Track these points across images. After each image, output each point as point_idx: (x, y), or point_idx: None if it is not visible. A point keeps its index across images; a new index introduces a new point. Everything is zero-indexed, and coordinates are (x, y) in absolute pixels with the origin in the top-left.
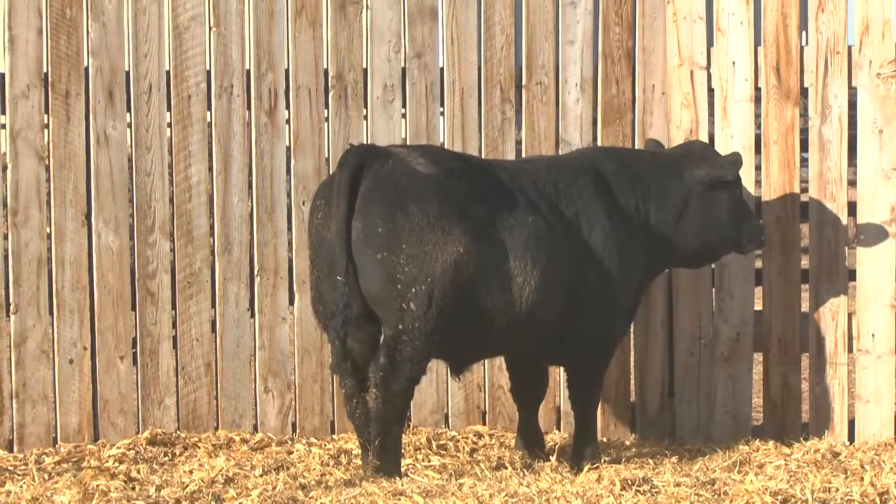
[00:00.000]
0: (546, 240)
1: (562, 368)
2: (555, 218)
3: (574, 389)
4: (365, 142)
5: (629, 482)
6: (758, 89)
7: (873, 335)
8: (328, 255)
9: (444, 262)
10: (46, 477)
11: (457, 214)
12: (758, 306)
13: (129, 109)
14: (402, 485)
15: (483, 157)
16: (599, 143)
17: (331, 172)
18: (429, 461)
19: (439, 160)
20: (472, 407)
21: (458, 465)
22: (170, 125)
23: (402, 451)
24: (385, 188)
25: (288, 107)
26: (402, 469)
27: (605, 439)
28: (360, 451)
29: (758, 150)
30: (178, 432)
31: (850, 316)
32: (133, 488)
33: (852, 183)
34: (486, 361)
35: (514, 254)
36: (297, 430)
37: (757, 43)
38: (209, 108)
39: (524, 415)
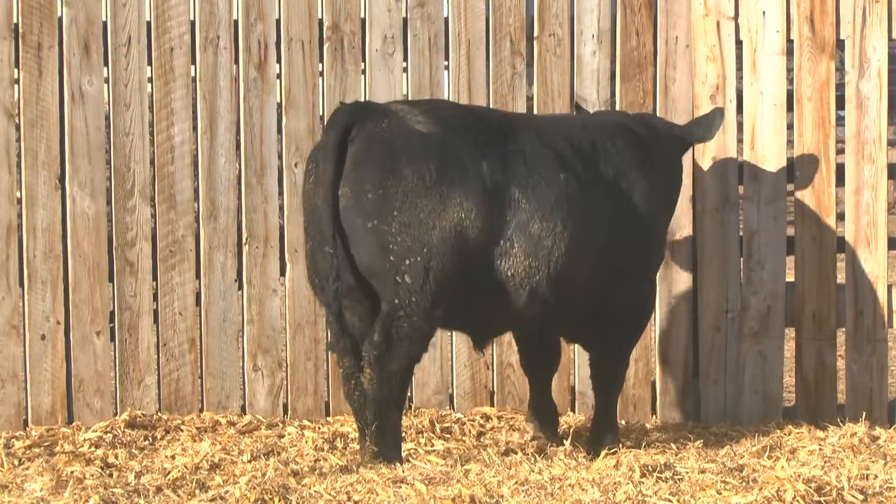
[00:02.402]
0: (579, 200)
1: (580, 346)
2: (591, 177)
3: (599, 367)
4: (362, 98)
5: (650, 468)
6: (790, 41)
7: None
8: (318, 223)
9: (442, 231)
10: (16, 462)
11: (459, 177)
12: (790, 277)
13: (106, 63)
14: (403, 471)
15: None
16: (618, 100)
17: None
18: (432, 446)
19: (444, 117)
20: (480, 387)
21: (463, 450)
22: (150, 80)
23: (403, 434)
24: (376, 149)
25: (279, 60)
26: (403, 454)
27: (623, 422)
28: (357, 436)
29: (790, 108)
30: (160, 414)
31: (889, 288)
32: (110, 475)
33: (892, 143)
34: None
35: (541, 215)
36: (289, 412)
37: None
38: (193, 62)
39: (536, 390)
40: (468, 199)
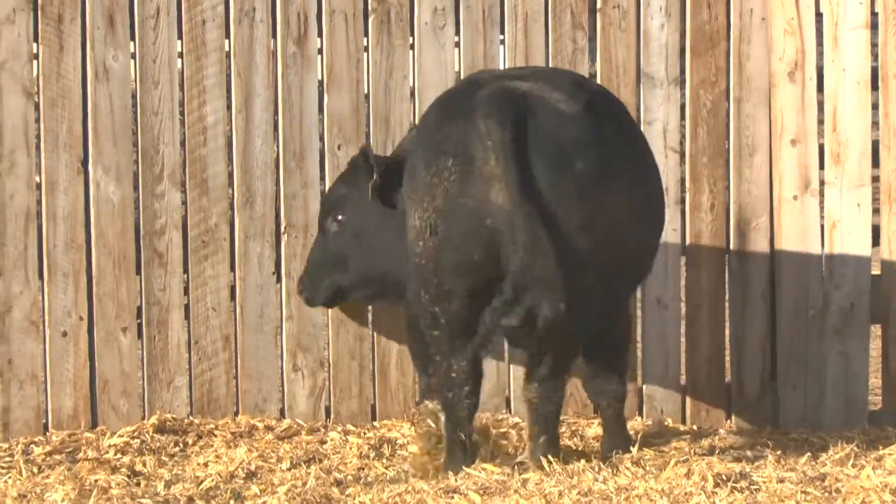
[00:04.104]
0: None
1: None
2: None
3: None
4: (411, 76)
5: (724, 478)
6: (874, 14)
7: None
8: (467, 228)
9: (608, 226)
10: (36, 470)
11: (616, 166)
12: (875, 270)
13: (132, 37)
14: (456, 480)
15: None
16: (688, 77)
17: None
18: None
19: (578, 93)
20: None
21: (521, 458)
22: (181, 55)
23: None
24: (545, 142)
25: (320, 34)
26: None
27: (695, 427)
28: (407, 441)
29: (874, 86)
30: (191, 418)
31: None
32: (138, 484)
33: None
34: None
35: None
36: (332, 416)
37: None
38: (227, 36)
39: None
40: (626, 187)
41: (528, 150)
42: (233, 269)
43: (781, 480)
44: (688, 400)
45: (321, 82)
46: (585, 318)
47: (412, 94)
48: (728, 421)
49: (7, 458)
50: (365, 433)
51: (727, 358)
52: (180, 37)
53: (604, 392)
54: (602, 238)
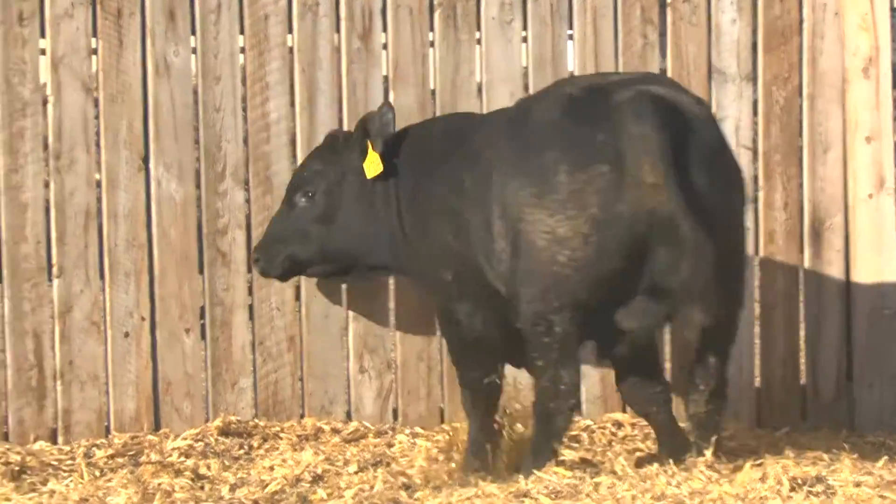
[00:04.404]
0: None
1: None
2: None
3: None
4: (478, 71)
5: (799, 482)
6: None
7: None
8: (621, 237)
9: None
10: (98, 473)
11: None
12: None
13: (193, 31)
14: (527, 484)
15: None
16: (759, 73)
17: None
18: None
19: (696, 97)
20: (611, 391)
21: (592, 461)
22: (243, 50)
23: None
24: (692, 146)
25: (385, 29)
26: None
27: (770, 429)
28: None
29: None
30: (256, 420)
31: None
32: (202, 487)
33: None
34: None
35: None
36: (399, 418)
37: None
38: (290, 31)
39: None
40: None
41: (680, 155)
42: None
43: (858, 484)
44: (762, 402)
45: (386, 78)
46: (736, 324)
47: (479, 90)
48: (803, 423)
49: (68, 461)
50: (433, 436)
51: (802, 359)
52: (242, 31)
53: (652, 398)
54: (735, 241)
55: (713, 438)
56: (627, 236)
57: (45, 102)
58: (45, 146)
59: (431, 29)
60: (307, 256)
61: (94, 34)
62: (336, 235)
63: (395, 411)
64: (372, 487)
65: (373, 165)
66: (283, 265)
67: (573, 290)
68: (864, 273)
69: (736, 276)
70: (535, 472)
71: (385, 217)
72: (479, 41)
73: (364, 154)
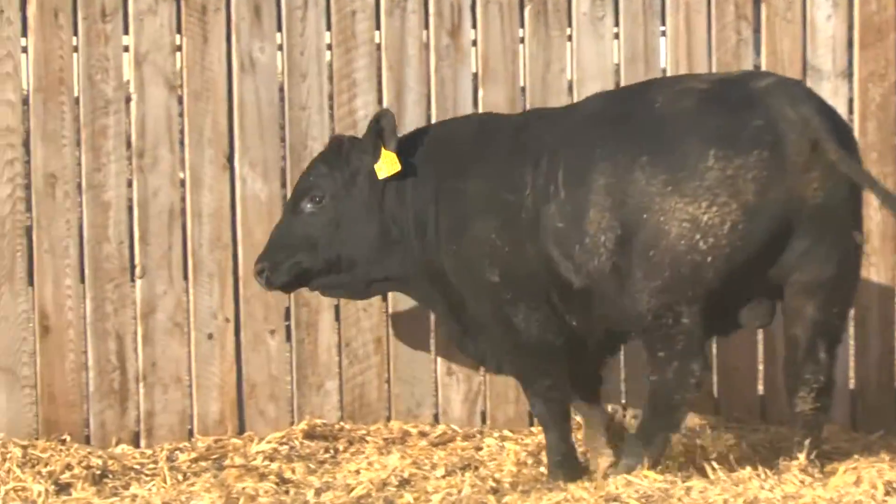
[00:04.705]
0: None
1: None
2: None
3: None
4: (569, 68)
5: (894, 486)
6: None
7: None
8: (771, 225)
9: None
10: (181, 478)
11: None
12: None
13: (279, 28)
14: (617, 488)
15: None
16: (855, 69)
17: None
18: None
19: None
20: (701, 392)
21: (683, 464)
22: (330, 47)
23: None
24: (840, 130)
25: (474, 25)
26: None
27: (864, 433)
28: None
29: None
30: (342, 423)
31: None
32: (286, 492)
33: None
34: (716, 338)
35: None
36: (488, 422)
37: None
38: (378, 27)
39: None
40: None
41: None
42: None
43: None
44: (857, 404)
45: (475, 75)
46: (846, 320)
47: (569, 88)
48: None
49: (151, 465)
50: (522, 439)
51: None
52: (329, 28)
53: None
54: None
55: (807, 442)
56: (776, 225)
57: (128, 100)
58: (128, 144)
59: (521, 25)
60: (314, 265)
61: (178, 30)
62: (345, 242)
63: (483, 414)
64: (460, 491)
65: (388, 165)
66: (289, 274)
67: (710, 279)
68: None
69: (856, 271)
70: (640, 469)
71: (400, 222)
72: (569, 37)
73: (376, 155)
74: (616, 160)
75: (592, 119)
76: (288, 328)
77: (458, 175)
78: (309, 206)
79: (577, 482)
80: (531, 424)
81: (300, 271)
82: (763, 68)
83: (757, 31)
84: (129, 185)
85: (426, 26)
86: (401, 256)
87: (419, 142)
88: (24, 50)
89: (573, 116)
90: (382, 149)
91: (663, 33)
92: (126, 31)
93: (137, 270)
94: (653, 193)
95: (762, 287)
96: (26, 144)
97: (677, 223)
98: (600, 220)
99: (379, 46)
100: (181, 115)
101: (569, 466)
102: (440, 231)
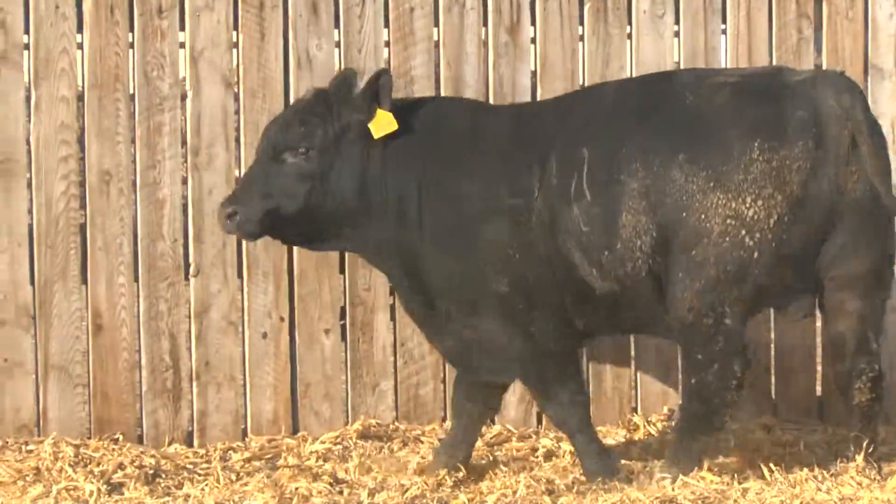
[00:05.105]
0: None
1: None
2: None
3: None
4: (628, 66)
5: None
6: None
7: None
8: (814, 217)
9: None
10: (234, 477)
11: None
12: None
13: (336, 25)
14: (674, 489)
15: None
16: None
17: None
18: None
19: None
20: (758, 393)
21: (740, 466)
22: (387, 44)
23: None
24: (874, 124)
25: (534, 22)
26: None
27: None
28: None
29: None
30: (397, 423)
31: None
32: (340, 492)
33: None
34: (774, 340)
35: None
36: (543, 423)
37: None
38: (436, 24)
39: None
40: None
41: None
42: None
43: None
44: None
45: (534, 73)
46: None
47: None
48: None
49: (204, 465)
50: None
51: None
52: (387, 25)
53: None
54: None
55: (864, 444)
56: (820, 217)
57: (183, 97)
58: (184, 142)
59: (581, 23)
60: (290, 214)
61: (235, 27)
62: (325, 197)
63: (538, 415)
64: (515, 492)
65: (384, 124)
66: (262, 224)
67: (756, 274)
68: None
69: (891, 262)
70: (681, 476)
71: (380, 191)
72: (629, 35)
73: (371, 113)
74: (649, 160)
75: (611, 113)
76: (343, 327)
77: (450, 169)
78: (293, 157)
79: (625, 481)
80: None
81: (275, 219)
82: (824, 67)
83: (818, 29)
84: (184, 182)
85: (485, 23)
86: (377, 224)
87: (412, 116)
88: (80, 46)
89: (582, 110)
90: (378, 108)
91: (724, 32)
92: (182, 28)
93: (192, 269)
94: (693, 191)
95: (801, 283)
96: (81, 141)
97: (720, 220)
98: (635, 225)
99: (437, 43)
100: (237, 112)
101: (605, 465)
102: (424, 227)
